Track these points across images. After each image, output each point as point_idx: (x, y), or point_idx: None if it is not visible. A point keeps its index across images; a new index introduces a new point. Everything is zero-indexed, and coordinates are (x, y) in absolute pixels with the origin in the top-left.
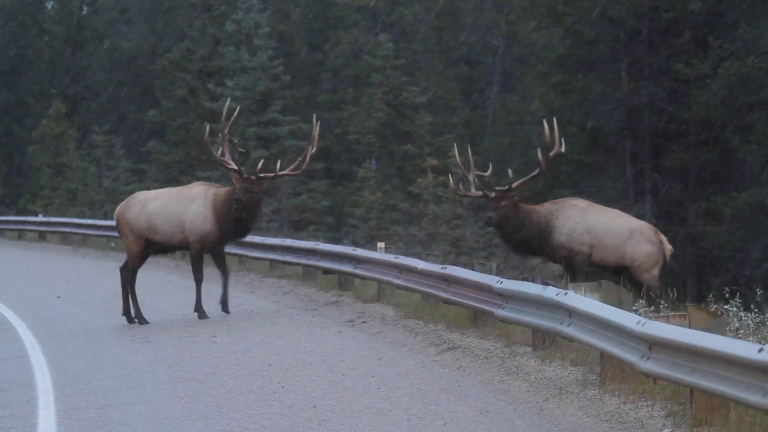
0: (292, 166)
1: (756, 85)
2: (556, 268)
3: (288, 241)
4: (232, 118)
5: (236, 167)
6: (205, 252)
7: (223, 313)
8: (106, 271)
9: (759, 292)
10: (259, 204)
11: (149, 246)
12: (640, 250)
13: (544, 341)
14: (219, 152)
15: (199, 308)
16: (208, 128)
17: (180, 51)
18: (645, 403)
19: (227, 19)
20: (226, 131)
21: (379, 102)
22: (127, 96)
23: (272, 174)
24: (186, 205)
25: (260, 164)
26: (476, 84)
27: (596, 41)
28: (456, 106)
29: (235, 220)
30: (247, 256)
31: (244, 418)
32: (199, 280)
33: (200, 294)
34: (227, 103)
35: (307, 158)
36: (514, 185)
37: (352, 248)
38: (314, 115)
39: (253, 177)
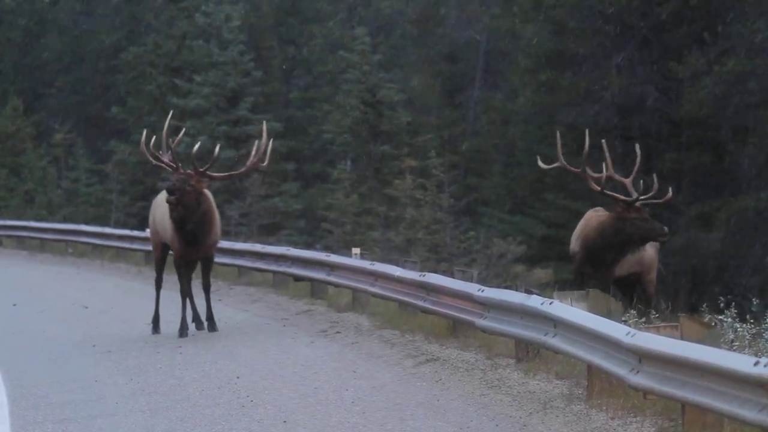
0: (242, 169)
1: (753, 83)
2: (544, 275)
3: (257, 247)
4: (177, 140)
5: (171, 163)
6: (182, 261)
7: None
8: (65, 277)
9: (755, 301)
10: (197, 201)
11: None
12: (647, 254)
13: (527, 353)
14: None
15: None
16: (144, 133)
17: (146, 45)
18: (634, 419)
19: (196, 11)
20: (172, 142)
21: (355, 99)
22: (89, 92)
23: (211, 171)
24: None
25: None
26: (457, 81)
27: (585, 36)
28: (436, 104)
29: (173, 220)
30: (214, 263)
31: None
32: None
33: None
34: (169, 115)
35: (247, 166)
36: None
37: (326, 254)
38: (264, 122)
39: (191, 171)
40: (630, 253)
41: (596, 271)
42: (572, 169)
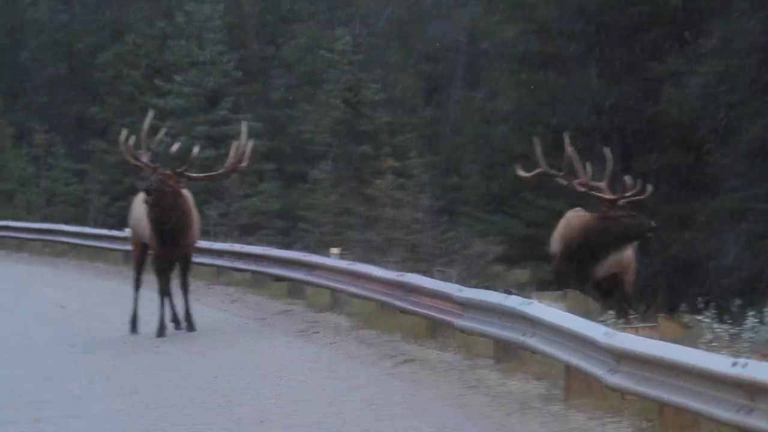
0: (221, 170)
1: (733, 84)
2: (522, 276)
3: (236, 246)
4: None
5: (149, 162)
6: (160, 261)
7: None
8: (42, 278)
9: (737, 302)
10: (175, 202)
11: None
12: (625, 255)
13: (506, 353)
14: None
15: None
16: (124, 132)
17: (126, 45)
18: (612, 420)
19: (177, 10)
20: (151, 143)
21: (335, 99)
22: (69, 92)
23: (190, 172)
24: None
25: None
26: (438, 81)
27: (565, 36)
28: (416, 104)
29: (151, 220)
30: (193, 262)
31: None
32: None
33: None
34: (149, 115)
35: (226, 167)
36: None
37: (305, 254)
38: (243, 122)
39: (169, 172)
40: (613, 253)
41: (578, 272)
42: (554, 172)
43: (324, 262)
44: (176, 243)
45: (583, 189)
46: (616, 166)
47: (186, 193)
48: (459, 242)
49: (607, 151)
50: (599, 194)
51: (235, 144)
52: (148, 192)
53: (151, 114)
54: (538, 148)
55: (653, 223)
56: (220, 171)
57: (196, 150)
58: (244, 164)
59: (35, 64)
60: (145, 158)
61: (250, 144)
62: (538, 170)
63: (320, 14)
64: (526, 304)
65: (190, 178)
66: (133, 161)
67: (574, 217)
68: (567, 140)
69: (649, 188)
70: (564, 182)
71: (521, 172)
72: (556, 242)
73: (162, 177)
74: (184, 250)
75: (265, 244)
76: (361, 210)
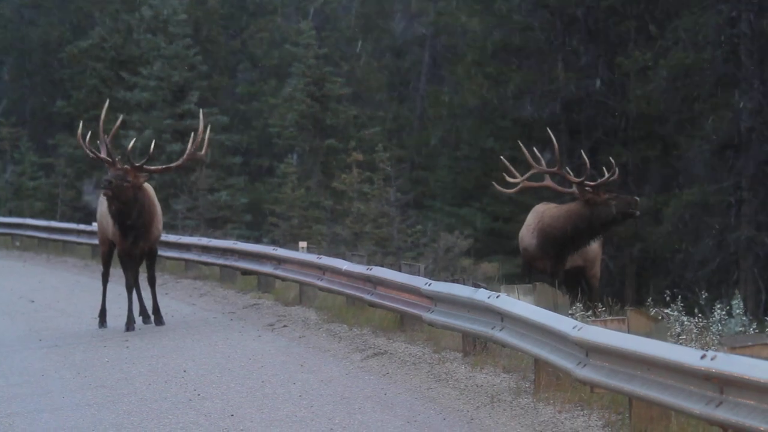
0: (180, 161)
1: (699, 77)
2: (490, 269)
3: (204, 240)
4: (114, 129)
5: (107, 157)
6: (124, 255)
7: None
8: (11, 271)
9: (703, 295)
10: (135, 196)
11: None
12: (590, 249)
13: (475, 346)
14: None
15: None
16: (81, 125)
17: (92, 38)
18: (581, 413)
19: (143, 4)
20: (107, 136)
21: (301, 93)
22: (35, 86)
23: (150, 165)
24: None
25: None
26: (404, 74)
27: (531, 30)
28: (382, 98)
29: (112, 215)
30: (161, 256)
31: (157, 427)
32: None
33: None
34: (105, 105)
35: (184, 157)
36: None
37: (273, 248)
38: (201, 110)
39: (128, 166)
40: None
41: (555, 263)
42: (548, 170)
43: (292, 256)
44: (139, 237)
45: (577, 180)
46: (583, 159)
47: (147, 186)
48: (427, 236)
49: (552, 137)
50: (589, 182)
51: (192, 134)
52: (105, 187)
53: (106, 106)
54: (508, 165)
55: (636, 198)
56: (179, 162)
57: (152, 146)
58: (202, 153)
59: (1, 57)
60: (103, 152)
61: (208, 131)
62: (530, 173)
63: (286, 7)
64: (495, 297)
65: (149, 171)
66: (91, 155)
67: (549, 209)
68: (554, 138)
69: (616, 169)
70: (556, 181)
71: (500, 188)
72: (529, 235)
73: (120, 171)
74: (148, 245)
75: (233, 238)
76: (328, 204)
